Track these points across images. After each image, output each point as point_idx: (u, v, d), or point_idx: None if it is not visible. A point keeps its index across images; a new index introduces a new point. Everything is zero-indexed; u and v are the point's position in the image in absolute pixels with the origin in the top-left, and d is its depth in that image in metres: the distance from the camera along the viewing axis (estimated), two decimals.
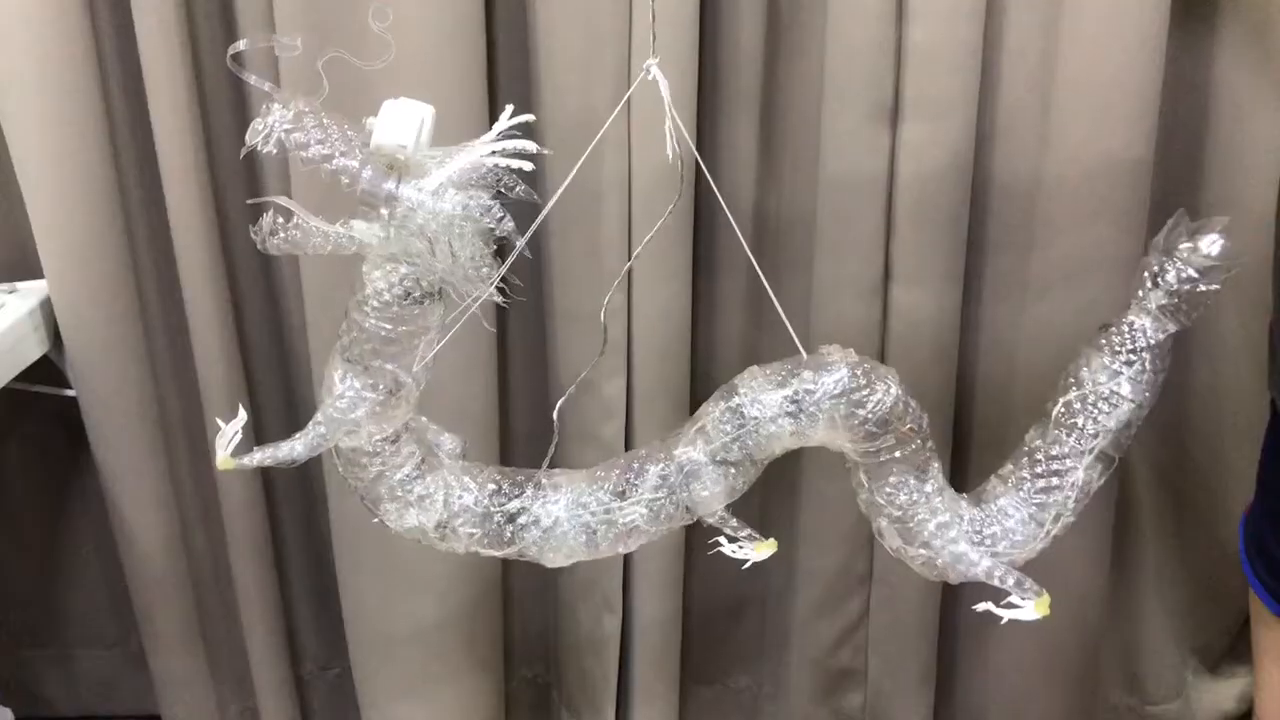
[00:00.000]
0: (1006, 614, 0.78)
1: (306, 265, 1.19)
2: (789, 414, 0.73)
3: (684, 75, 1.10)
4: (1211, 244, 0.69)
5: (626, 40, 1.10)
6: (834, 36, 1.10)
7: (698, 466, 0.76)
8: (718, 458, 0.76)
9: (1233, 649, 1.48)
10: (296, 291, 1.24)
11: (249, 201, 0.65)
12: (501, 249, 0.72)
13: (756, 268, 0.81)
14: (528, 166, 0.67)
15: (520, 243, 0.71)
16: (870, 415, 0.73)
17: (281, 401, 1.35)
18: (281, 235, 0.69)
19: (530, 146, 0.68)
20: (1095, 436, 0.71)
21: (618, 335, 1.20)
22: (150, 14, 1.10)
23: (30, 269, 1.23)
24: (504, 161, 0.68)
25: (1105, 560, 1.31)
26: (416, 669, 1.34)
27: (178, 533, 1.32)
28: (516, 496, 0.78)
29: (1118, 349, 0.69)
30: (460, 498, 0.79)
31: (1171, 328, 0.68)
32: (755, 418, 0.74)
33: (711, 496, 0.77)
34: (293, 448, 0.73)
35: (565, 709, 1.45)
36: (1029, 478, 0.74)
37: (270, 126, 0.68)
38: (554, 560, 0.80)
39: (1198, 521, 1.39)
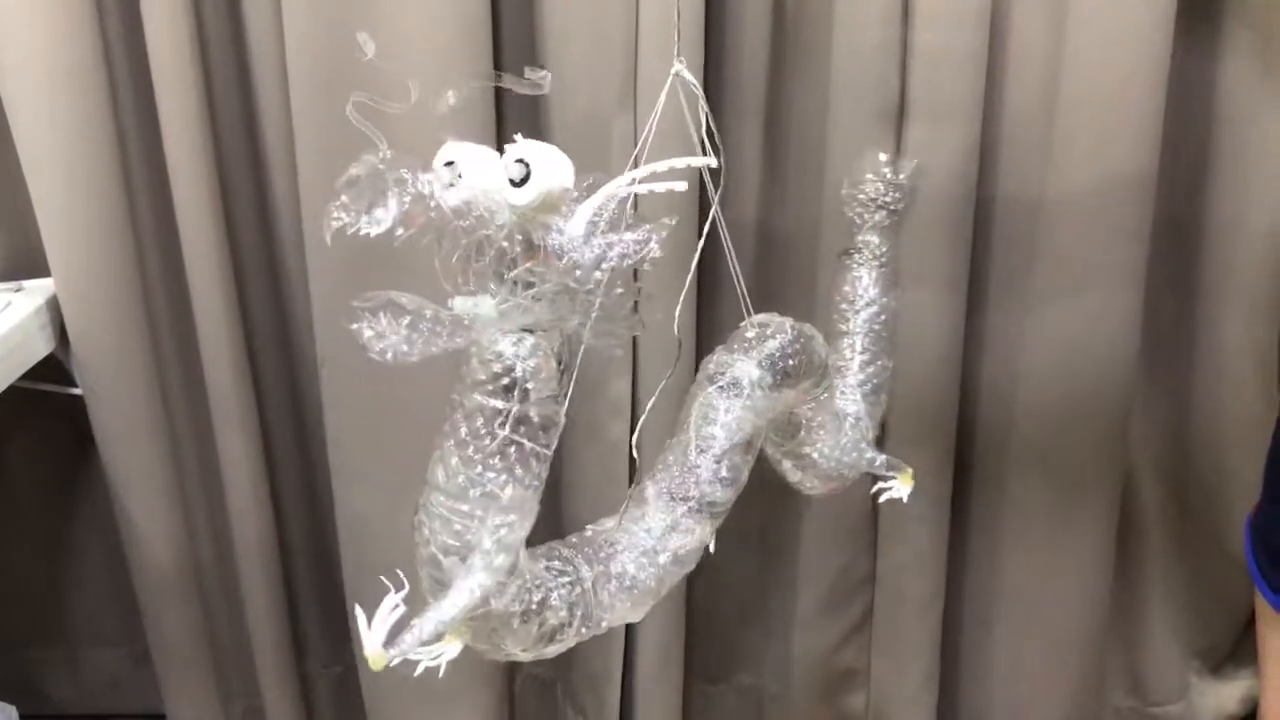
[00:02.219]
0: (887, 494, 0.86)
1: (314, 264, 1.20)
2: (773, 375, 0.73)
3: (693, 78, 1.10)
4: (905, 166, 0.79)
5: (633, 42, 1.10)
6: (840, 40, 1.11)
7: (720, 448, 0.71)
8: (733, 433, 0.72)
9: (1236, 651, 1.48)
10: (304, 291, 1.24)
11: (356, 304, 0.55)
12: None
13: (735, 269, 0.80)
14: (680, 187, 0.58)
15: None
16: (818, 359, 0.75)
17: (287, 401, 1.35)
18: (396, 336, 0.56)
19: (679, 162, 0.59)
20: (869, 331, 0.82)
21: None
22: (159, 11, 1.10)
23: (37, 267, 1.23)
24: (656, 187, 0.57)
25: (1109, 563, 1.31)
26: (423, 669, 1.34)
27: (183, 531, 1.32)
28: (584, 564, 0.68)
29: (869, 263, 0.80)
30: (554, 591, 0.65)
31: (890, 240, 0.80)
32: (750, 382, 0.72)
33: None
34: (442, 616, 0.57)
35: (570, 707, 1.45)
36: (854, 383, 0.83)
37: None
38: (635, 616, 0.71)
39: (1201, 524, 1.40)
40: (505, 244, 0.53)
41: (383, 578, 0.57)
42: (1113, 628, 1.38)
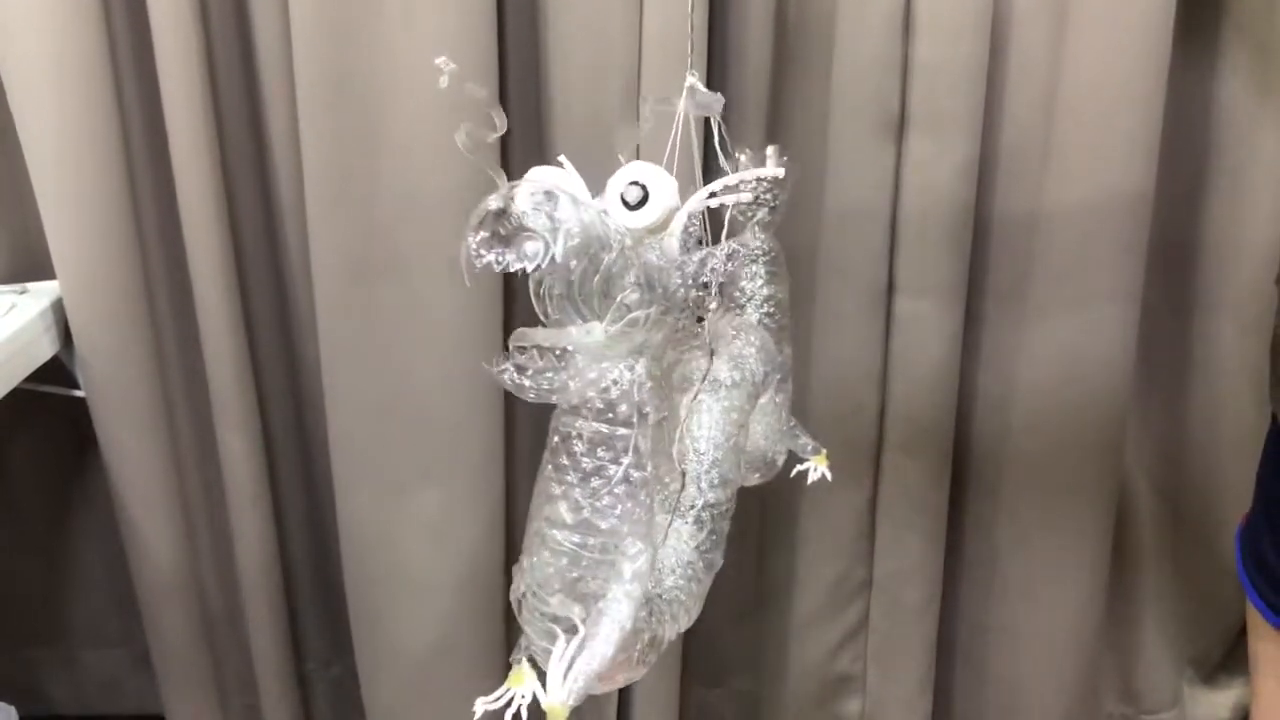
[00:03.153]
0: (813, 476, 0.86)
1: (317, 267, 1.20)
2: (741, 372, 0.73)
3: None
4: (780, 163, 0.78)
5: (636, 45, 1.11)
6: (841, 52, 1.12)
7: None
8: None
9: (1227, 660, 1.49)
10: (307, 293, 1.25)
11: (498, 370, 0.55)
12: None
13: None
14: (746, 198, 0.59)
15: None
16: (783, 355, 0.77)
17: (289, 404, 1.36)
18: (539, 375, 0.54)
19: (750, 174, 0.60)
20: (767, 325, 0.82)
21: None
22: (165, 13, 1.11)
23: (40, 269, 1.24)
24: (728, 200, 0.58)
25: (1103, 572, 1.33)
26: (421, 670, 1.35)
27: (184, 532, 1.33)
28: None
29: (758, 259, 0.81)
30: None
31: (773, 235, 0.81)
32: (727, 381, 0.72)
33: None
34: (605, 653, 0.57)
35: None
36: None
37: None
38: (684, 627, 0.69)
39: (1194, 534, 1.41)
40: (615, 269, 0.52)
41: (556, 627, 0.58)
42: (1106, 636, 1.39)
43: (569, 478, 0.56)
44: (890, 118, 1.12)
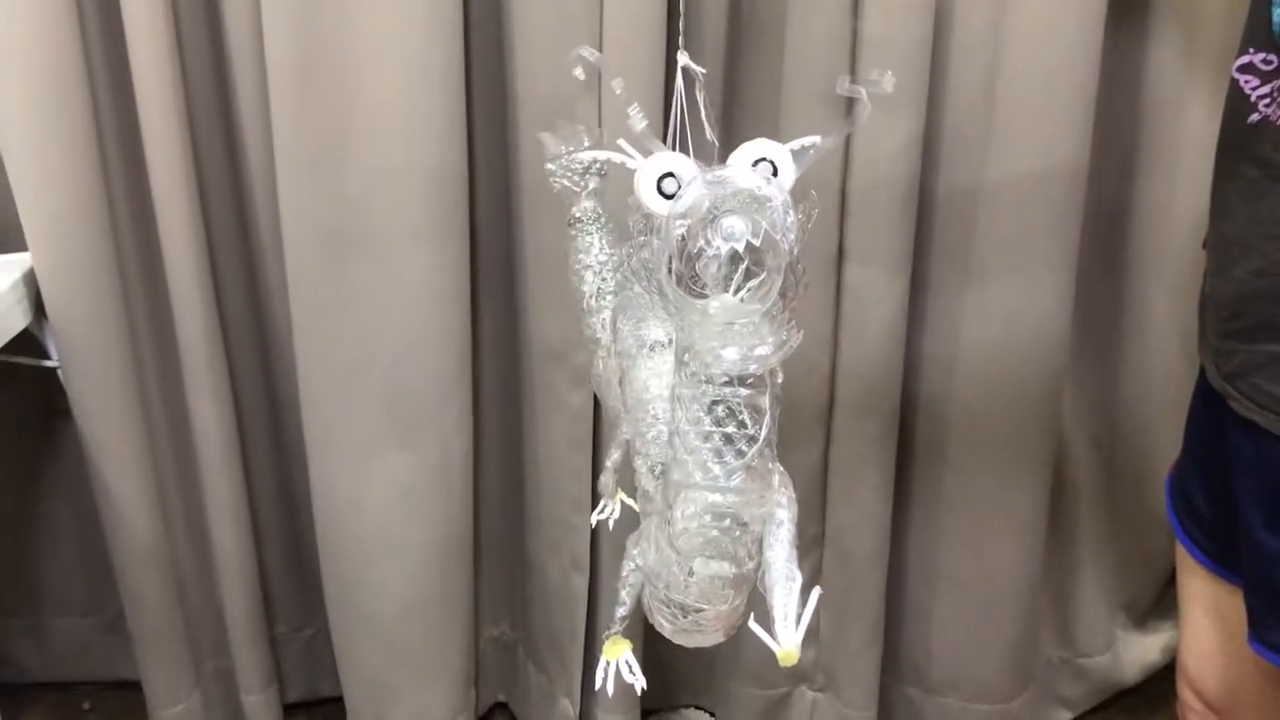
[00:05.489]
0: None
1: (288, 234, 1.22)
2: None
3: (653, 68, 1.13)
4: (594, 132, 0.81)
5: (598, 21, 1.14)
6: (793, 27, 1.16)
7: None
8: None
9: (1158, 605, 1.57)
10: (277, 260, 1.27)
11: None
12: None
13: None
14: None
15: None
16: None
17: (260, 372, 1.39)
18: None
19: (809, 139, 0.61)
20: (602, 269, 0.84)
21: None
22: None
23: (8, 242, 1.25)
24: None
25: (1042, 523, 1.39)
26: (392, 632, 1.39)
27: (157, 498, 1.35)
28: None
29: (597, 227, 0.82)
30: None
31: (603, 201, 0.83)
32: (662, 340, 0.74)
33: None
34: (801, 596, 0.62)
35: (532, 666, 1.50)
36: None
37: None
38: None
39: (1127, 487, 1.48)
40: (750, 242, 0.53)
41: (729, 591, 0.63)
42: (1045, 583, 1.45)
43: (719, 444, 0.58)
44: (839, 93, 1.16)
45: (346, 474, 1.31)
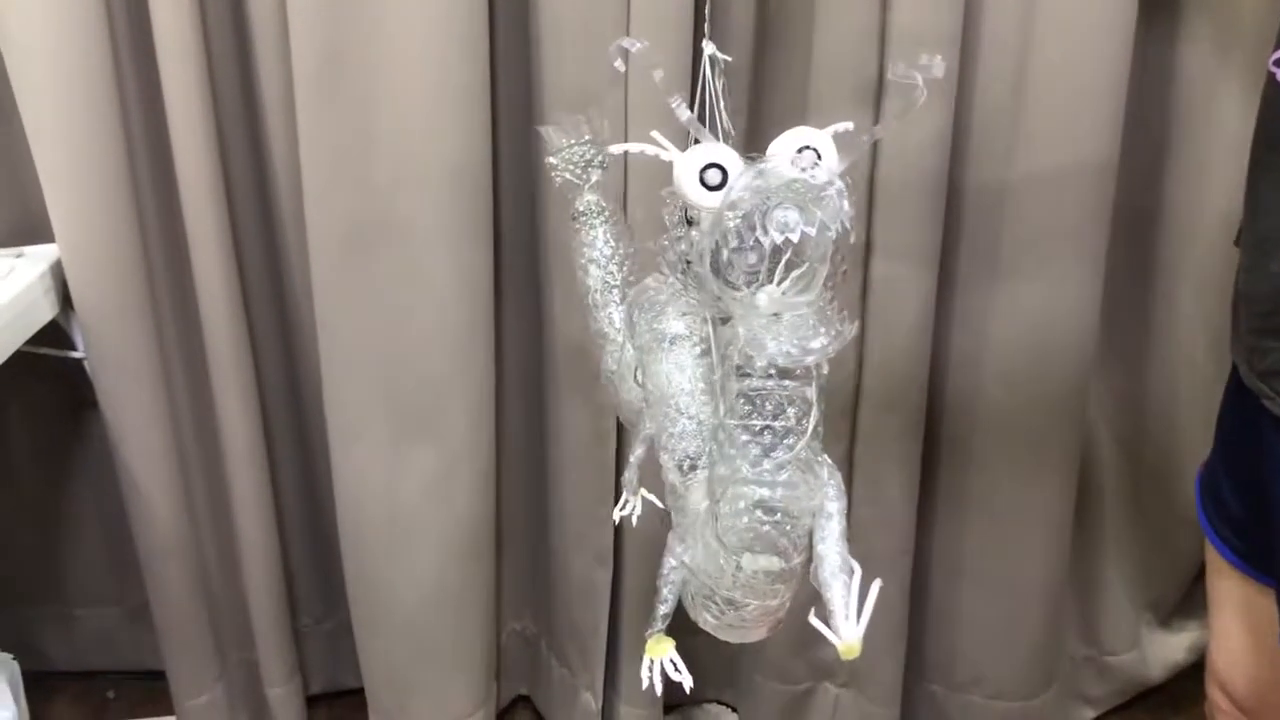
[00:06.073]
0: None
1: (313, 227, 1.23)
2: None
3: (679, 58, 1.13)
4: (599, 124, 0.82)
5: (625, 13, 1.13)
6: (822, 21, 1.15)
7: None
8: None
9: (1183, 604, 1.56)
10: (301, 253, 1.28)
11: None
12: None
13: None
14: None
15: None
16: None
17: (285, 364, 1.39)
18: None
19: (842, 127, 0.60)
20: (624, 281, 0.84)
21: None
22: None
23: (36, 233, 1.26)
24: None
25: (1068, 520, 1.38)
26: (414, 623, 1.39)
27: (182, 489, 1.36)
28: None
29: (601, 220, 0.83)
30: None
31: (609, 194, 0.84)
32: (682, 333, 0.73)
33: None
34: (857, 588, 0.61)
35: (555, 660, 1.51)
36: None
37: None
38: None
39: (1154, 485, 1.47)
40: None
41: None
42: (1070, 581, 1.44)
43: (766, 438, 0.58)
44: (868, 84, 1.16)
45: (370, 467, 1.31)
